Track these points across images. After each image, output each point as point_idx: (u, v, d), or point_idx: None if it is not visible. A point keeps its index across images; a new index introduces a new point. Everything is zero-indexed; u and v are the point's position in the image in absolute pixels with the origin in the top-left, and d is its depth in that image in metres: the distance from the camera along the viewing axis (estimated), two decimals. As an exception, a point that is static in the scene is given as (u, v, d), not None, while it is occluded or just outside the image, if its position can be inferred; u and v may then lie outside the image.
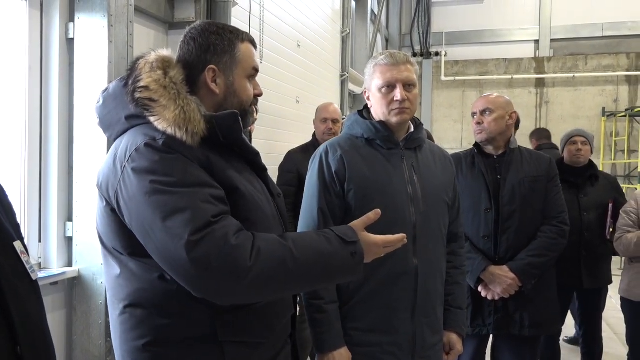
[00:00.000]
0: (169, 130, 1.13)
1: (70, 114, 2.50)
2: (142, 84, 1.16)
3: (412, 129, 1.78)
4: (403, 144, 1.74)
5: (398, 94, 1.66)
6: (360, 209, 1.65)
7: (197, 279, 1.04)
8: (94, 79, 2.46)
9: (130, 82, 1.18)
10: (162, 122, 1.14)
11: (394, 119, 1.69)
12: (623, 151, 9.10)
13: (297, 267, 1.11)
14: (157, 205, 1.07)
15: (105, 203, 1.18)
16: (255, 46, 1.34)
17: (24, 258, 0.99)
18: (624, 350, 3.19)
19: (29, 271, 1.00)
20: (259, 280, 1.07)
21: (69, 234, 2.52)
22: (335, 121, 3.40)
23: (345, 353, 1.64)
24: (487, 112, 2.35)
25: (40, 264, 2.48)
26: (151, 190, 1.08)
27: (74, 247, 2.51)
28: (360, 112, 1.83)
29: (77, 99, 2.49)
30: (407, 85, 1.68)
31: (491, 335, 2.47)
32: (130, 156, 1.12)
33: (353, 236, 1.20)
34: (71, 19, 2.49)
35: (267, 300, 1.21)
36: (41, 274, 2.33)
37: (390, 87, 1.68)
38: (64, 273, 2.45)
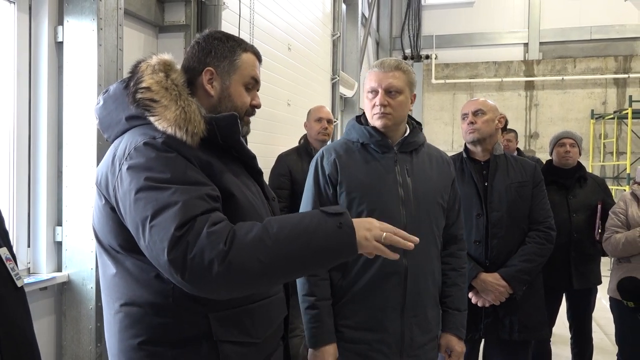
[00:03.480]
0: (169, 130, 1.15)
1: (60, 117, 2.49)
2: (143, 85, 1.18)
3: (407, 133, 1.83)
4: (397, 147, 1.79)
5: (377, 99, 1.74)
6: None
7: (181, 280, 1.04)
8: (83, 82, 2.45)
9: (132, 83, 1.20)
10: (163, 122, 1.16)
11: (376, 123, 1.77)
12: (612, 153, 9.20)
13: (276, 245, 1.06)
14: (148, 200, 1.07)
15: (104, 201, 1.19)
16: (259, 59, 1.39)
17: (9, 265, 0.99)
18: (614, 349, 3.21)
19: (14, 278, 0.99)
20: (239, 262, 1.03)
21: (58, 239, 2.50)
22: (329, 121, 3.48)
23: (332, 350, 1.68)
24: (480, 113, 2.39)
25: (29, 269, 2.45)
26: (145, 187, 1.08)
27: (63, 252, 2.49)
28: (357, 118, 1.89)
29: (66, 103, 2.47)
30: (391, 92, 1.74)
31: (482, 340, 2.48)
32: (128, 154, 1.14)
33: (339, 209, 1.15)
34: (60, 22, 2.48)
35: (262, 288, 1.16)
36: (30, 279, 2.31)
37: (374, 92, 1.76)
38: (53, 278, 2.43)
